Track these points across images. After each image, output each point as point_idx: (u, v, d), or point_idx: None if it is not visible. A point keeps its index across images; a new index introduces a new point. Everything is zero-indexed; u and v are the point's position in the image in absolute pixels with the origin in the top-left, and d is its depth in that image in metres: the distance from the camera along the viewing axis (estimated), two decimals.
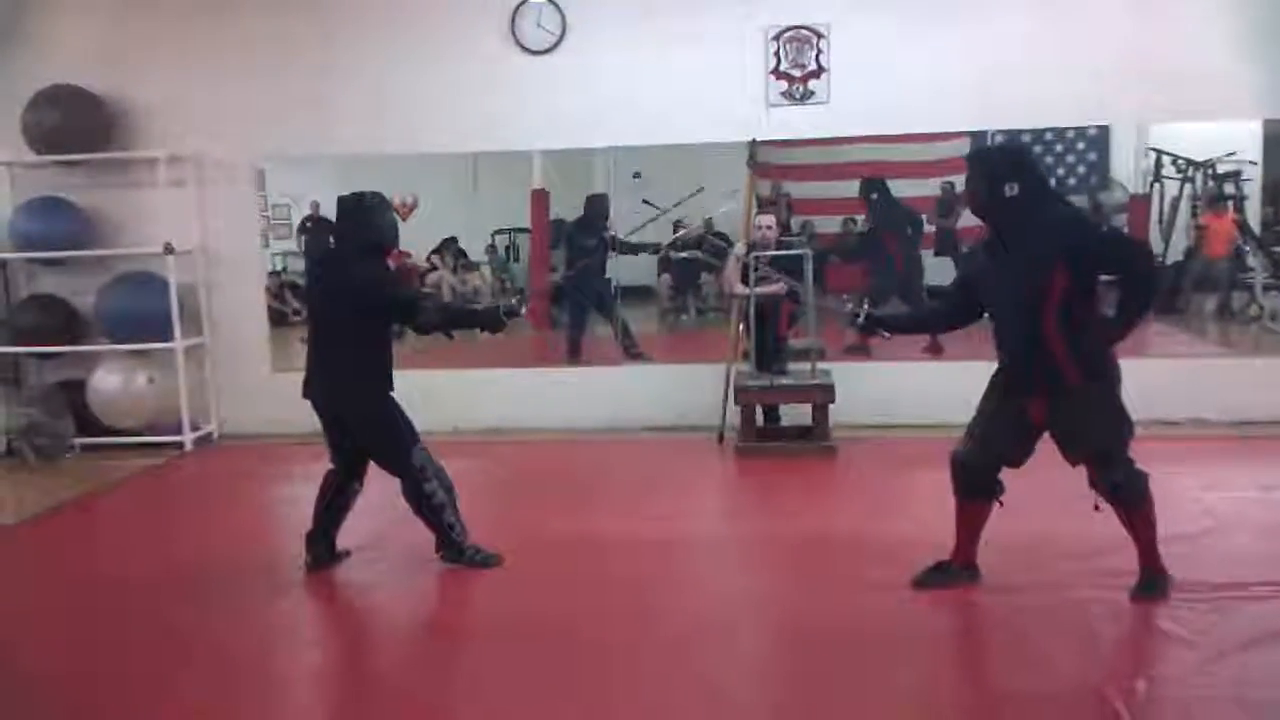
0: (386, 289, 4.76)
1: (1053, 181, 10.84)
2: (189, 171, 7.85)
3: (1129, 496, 4.16)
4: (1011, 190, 4.05)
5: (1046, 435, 4.23)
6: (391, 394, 4.77)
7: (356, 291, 4.63)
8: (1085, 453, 4.15)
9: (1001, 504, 4.39)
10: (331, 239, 5.11)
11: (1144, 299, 4.12)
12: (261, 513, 6.30)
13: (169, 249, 7.59)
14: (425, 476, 4.75)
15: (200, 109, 7.81)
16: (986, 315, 4.36)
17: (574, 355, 9.44)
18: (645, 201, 10.15)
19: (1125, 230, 10.30)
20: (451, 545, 4.86)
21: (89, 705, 3.77)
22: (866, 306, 4.61)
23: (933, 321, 5.01)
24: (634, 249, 10.42)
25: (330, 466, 4.91)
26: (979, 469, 4.33)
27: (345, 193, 4.81)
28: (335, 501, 4.91)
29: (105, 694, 3.85)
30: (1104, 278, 4.13)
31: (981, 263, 4.30)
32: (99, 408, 7.68)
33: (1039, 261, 3.99)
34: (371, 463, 4.87)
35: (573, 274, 9.68)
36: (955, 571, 4.48)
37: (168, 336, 7.63)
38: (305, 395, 4.80)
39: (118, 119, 7.81)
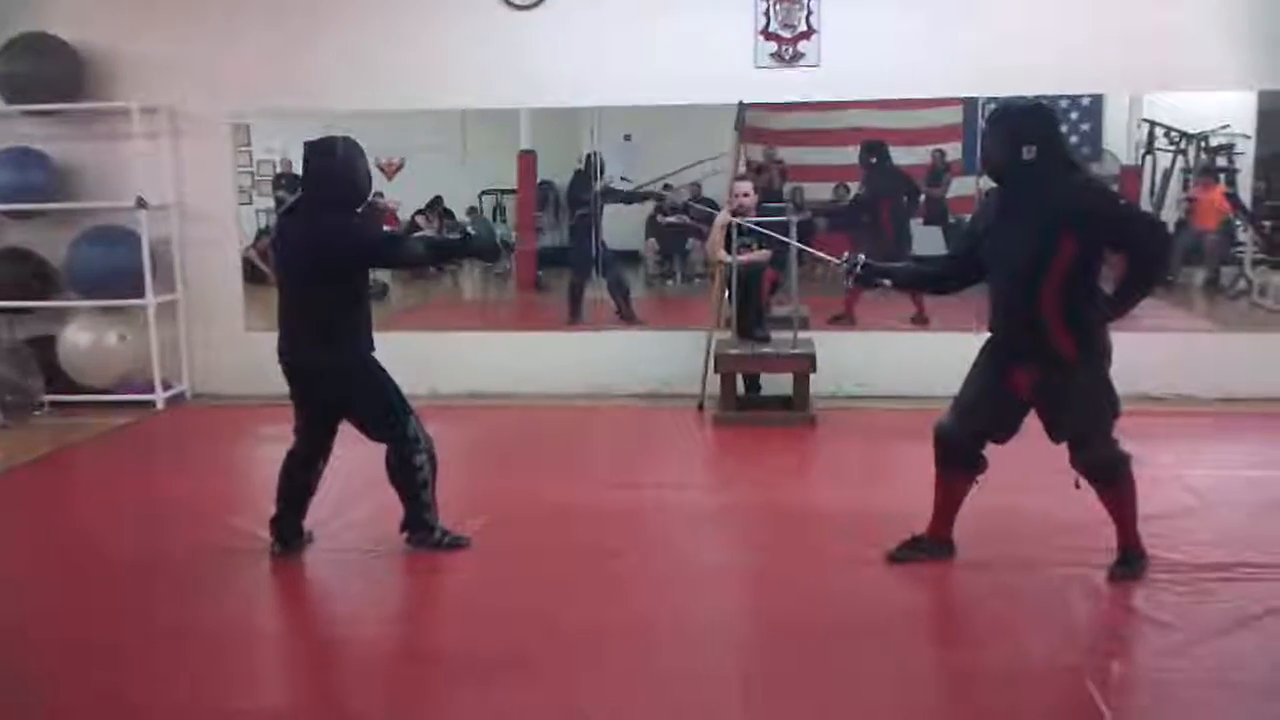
0: (358, 234, 4.41)
1: None
2: (163, 124, 7.68)
3: (1110, 476, 4.08)
4: (1029, 153, 3.91)
5: (1032, 413, 4.14)
6: (373, 354, 4.49)
7: (326, 243, 4.28)
8: (1069, 430, 4.06)
9: (979, 482, 4.30)
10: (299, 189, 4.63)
11: (1151, 278, 4.02)
12: (231, 475, 6.18)
13: (141, 203, 7.43)
14: (417, 449, 4.51)
15: (177, 61, 7.61)
16: (988, 275, 4.19)
17: (575, 317, 9.30)
18: (623, 179, 10.00)
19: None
20: (422, 526, 4.61)
21: (36, 671, 3.66)
22: (862, 257, 4.44)
23: (934, 278, 4.67)
24: (626, 198, 10.26)
25: (291, 448, 4.61)
26: (962, 441, 4.23)
27: (313, 139, 4.44)
28: (300, 482, 4.61)
29: (52, 660, 3.73)
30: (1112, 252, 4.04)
31: (990, 219, 4.15)
32: (70, 365, 7.55)
33: (1049, 227, 3.87)
34: (341, 436, 4.62)
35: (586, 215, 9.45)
36: (929, 545, 4.40)
37: (140, 293, 7.49)
38: (280, 360, 4.47)
39: (91, 69, 7.62)
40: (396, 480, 4.55)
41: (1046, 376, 4.00)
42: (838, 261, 4.50)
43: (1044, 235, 3.87)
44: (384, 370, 4.52)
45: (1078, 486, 4.12)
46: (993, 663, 3.60)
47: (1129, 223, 4.10)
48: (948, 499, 4.35)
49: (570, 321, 9.24)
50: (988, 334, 4.20)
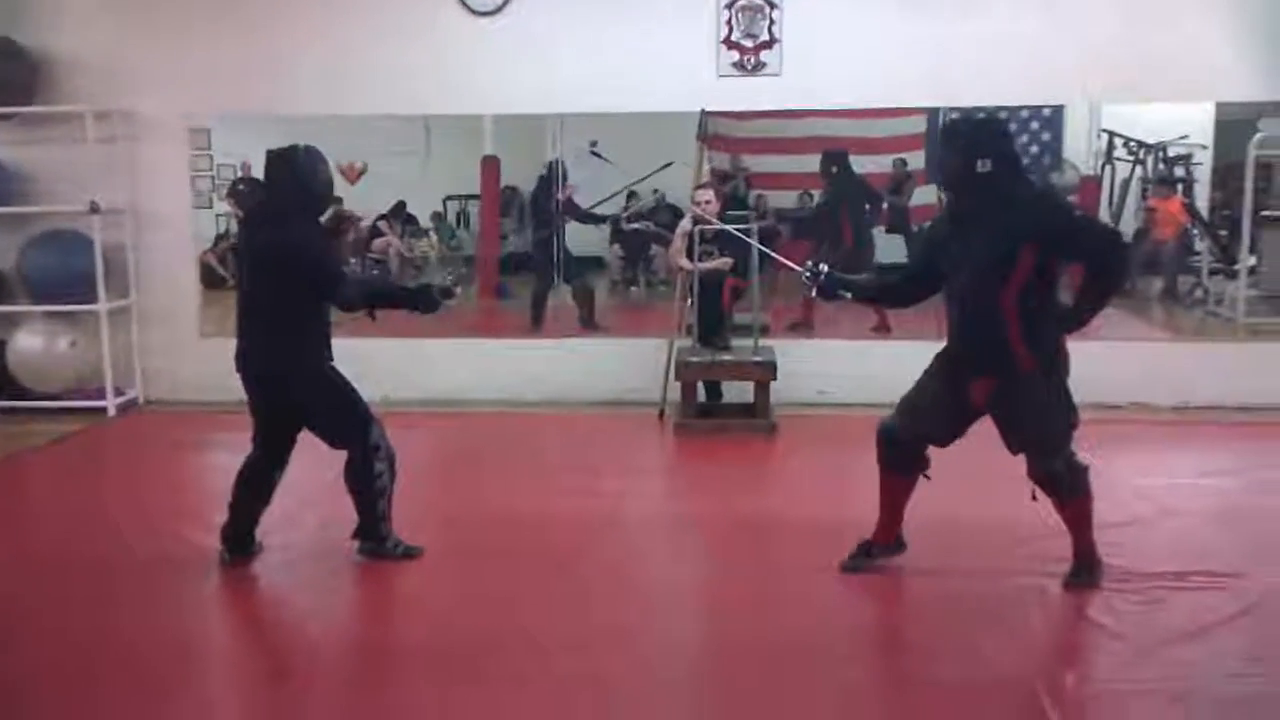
0: (314, 257, 4.34)
1: None
2: (119, 128, 7.55)
3: (1067, 488, 4.06)
4: (985, 166, 3.91)
5: (985, 419, 4.12)
6: (332, 362, 4.46)
7: (283, 255, 4.26)
8: (1026, 441, 4.04)
9: (928, 477, 4.27)
10: (261, 196, 4.64)
11: (1108, 290, 4.00)
12: (183, 483, 6.09)
13: (94, 207, 7.32)
14: (378, 457, 4.44)
15: (133, 64, 7.50)
16: (945, 287, 4.18)
17: (537, 324, 9.27)
18: (593, 152, 9.95)
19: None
20: (375, 536, 4.54)
21: None
22: (825, 267, 4.41)
23: (894, 292, 4.60)
24: (584, 218, 10.24)
25: (249, 454, 4.54)
26: (905, 443, 4.21)
27: (275, 146, 4.42)
28: (255, 491, 4.54)
29: None
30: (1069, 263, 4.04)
31: (945, 232, 4.15)
32: (19, 370, 7.43)
33: (1006, 240, 3.86)
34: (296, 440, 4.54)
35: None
36: (880, 550, 4.37)
37: (92, 298, 7.37)
38: (239, 368, 4.42)
39: (45, 72, 7.50)
40: (354, 488, 4.48)
41: (1003, 387, 3.99)
42: (800, 270, 4.48)
43: (1001, 248, 3.86)
44: (344, 378, 4.47)
45: (1034, 498, 4.11)
46: (945, 673, 3.58)
47: (1086, 234, 4.09)
48: (892, 499, 4.32)
49: (533, 329, 9.19)
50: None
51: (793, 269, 4.60)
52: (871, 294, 4.79)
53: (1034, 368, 3.94)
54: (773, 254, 5.56)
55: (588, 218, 10.25)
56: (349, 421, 4.44)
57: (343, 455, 4.48)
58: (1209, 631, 3.83)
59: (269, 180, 4.44)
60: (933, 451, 4.24)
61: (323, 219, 4.57)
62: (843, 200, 9.67)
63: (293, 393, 4.41)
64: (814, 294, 4.47)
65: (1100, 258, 3.97)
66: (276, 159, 4.39)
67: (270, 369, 4.39)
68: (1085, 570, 4.17)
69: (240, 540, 4.58)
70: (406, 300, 4.56)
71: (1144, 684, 3.48)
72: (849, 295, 4.48)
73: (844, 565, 4.37)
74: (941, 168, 4.10)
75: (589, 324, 9.18)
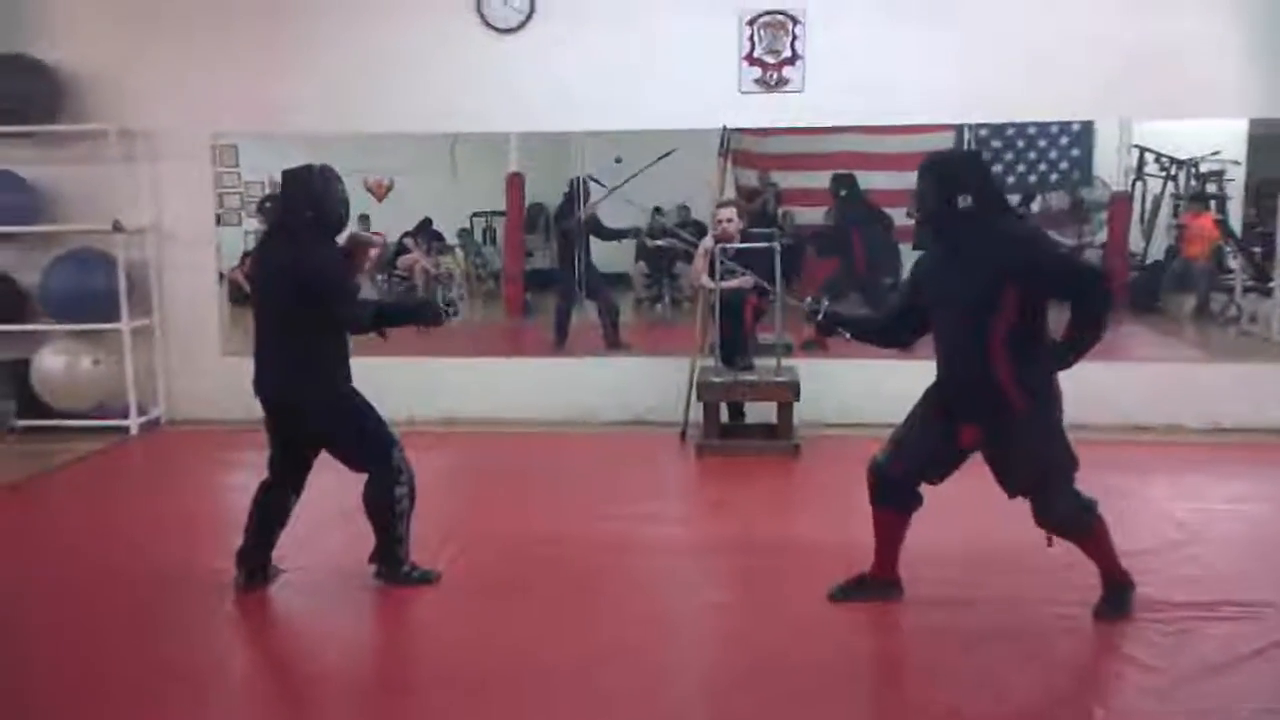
0: (327, 278, 4.25)
1: (1034, 178, 10.77)
2: (141, 146, 7.59)
3: (1077, 529, 3.94)
4: (965, 202, 3.81)
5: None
6: (351, 384, 4.42)
7: (297, 276, 4.21)
8: (1024, 485, 3.91)
9: (916, 507, 4.16)
10: (276, 216, 4.61)
11: (1095, 329, 3.84)
12: (203, 503, 6.05)
13: (118, 227, 7.35)
14: (399, 480, 4.40)
15: (156, 83, 7.54)
16: (932, 328, 4.08)
17: (561, 342, 9.24)
18: (592, 179, 9.94)
19: (1099, 245, 10.19)
20: (392, 560, 4.49)
21: None
22: (827, 303, 4.36)
23: (891, 332, 4.50)
24: (611, 234, 10.20)
25: (264, 480, 4.50)
26: (896, 479, 4.10)
27: (299, 164, 4.39)
28: (270, 514, 4.49)
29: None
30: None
31: (930, 271, 4.06)
32: (43, 389, 7.44)
33: (989, 278, 3.75)
34: (313, 465, 4.50)
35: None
36: (875, 585, 4.26)
37: (115, 317, 7.39)
38: (256, 392, 4.39)
39: (68, 90, 7.54)
40: (373, 511, 4.44)
41: (994, 429, 3.87)
42: (801, 304, 4.41)
43: (985, 286, 3.76)
44: (364, 401, 4.43)
45: (1050, 544, 3.99)
46: (971, 705, 3.48)
47: (1065, 273, 3.96)
48: (887, 536, 4.22)
49: (557, 347, 9.16)
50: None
51: (796, 305, 4.55)
52: (869, 333, 4.70)
53: (1026, 408, 3.82)
54: (767, 287, 5.48)
55: (612, 234, 10.20)
56: (370, 445, 4.39)
57: (362, 477, 4.43)
58: (1241, 663, 3.71)
59: (283, 200, 4.42)
60: (955, 475, 4.13)
61: (339, 239, 4.50)
62: (852, 222, 9.61)
63: (307, 422, 4.37)
64: (813, 328, 4.42)
65: (1082, 297, 3.84)
66: (290, 179, 4.37)
67: (288, 394, 4.35)
68: (1116, 597, 4.06)
69: (255, 565, 4.53)
70: (411, 315, 4.52)
71: (1174, 717, 3.38)
72: (847, 335, 4.41)
73: (833, 593, 4.27)
74: (919, 203, 3.97)
75: (614, 342, 9.13)
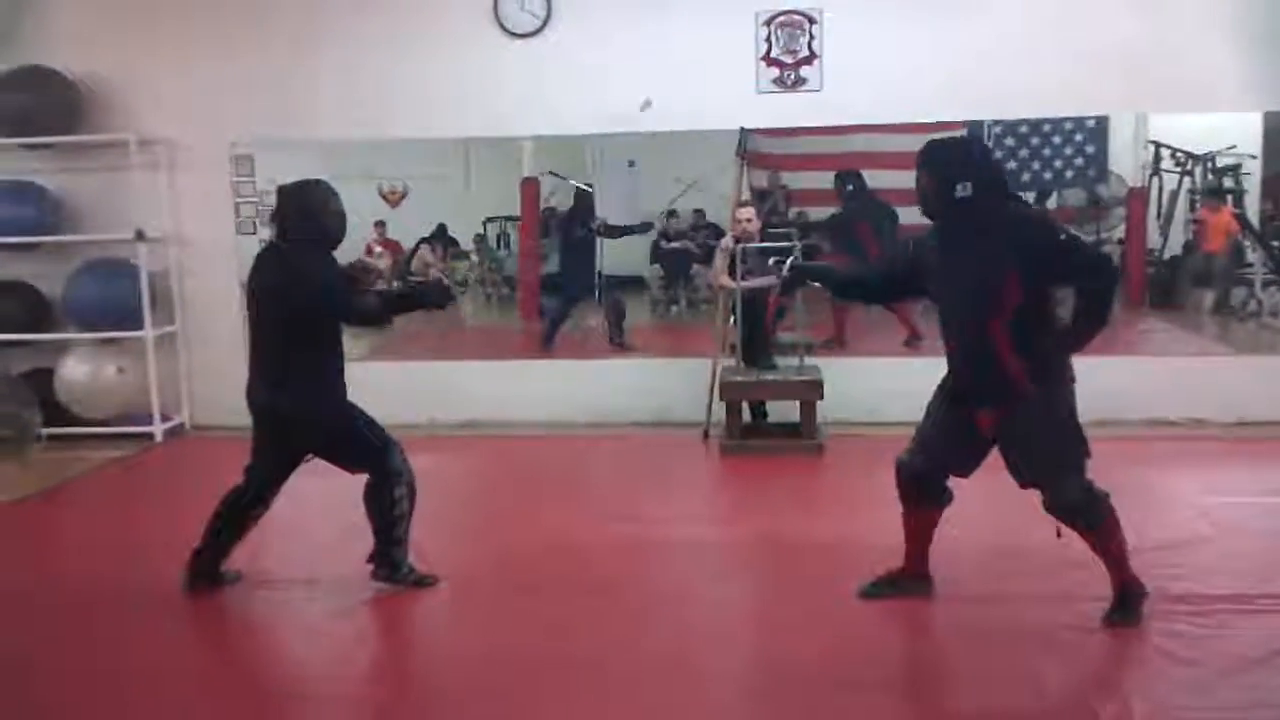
0: (317, 290, 4.23)
1: (1050, 175, 10.76)
2: (161, 155, 7.63)
3: (1087, 519, 3.87)
4: (964, 190, 3.77)
5: None
6: (346, 398, 4.40)
7: (286, 291, 4.21)
8: (1034, 470, 3.87)
9: (948, 503, 4.14)
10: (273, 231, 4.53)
11: (1101, 313, 3.79)
12: None
13: (140, 235, 7.38)
14: (398, 482, 4.41)
15: (176, 92, 7.57)
16: (938, 316, 4.05)
17: (548, 344, 9.27)
18: (588, 185, 9.99)
19: (1107, 234, 10.14)
20: (389, 561, 4.48)
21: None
22: (796, 257, 4.32)
23: (866, 285, 4.51)
24: (622, 232, 10.22)
25: (236, 486, 4.48)
26: (923, 476, 4.08)
27: (287, 181, 4.38)
28: (235, 524, 4.47)
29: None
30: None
31: (934, 256, 3.99)
32: (67, 397, 7.47)
33: (992, 266, 3.72)
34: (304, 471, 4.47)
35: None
36: (905, 582, 4.25)
37: (138, 325, 7.42)
38: (249, 399, 4.38)
39: (89, 101, 7.57)
40: (373, 513, 4.45)
41: (1006, 415, 3.83)
42: (772, 261, 4.39)
43: (990, 272, 3.72)
44: (353, 408, 4.43)
45: (1059, 535, 3.94)
46: (1006, 703, 3.47)
47: (1073, 257, 3.89)
48: (917, 534, 4.20)
49: (544, 347, 9.17)
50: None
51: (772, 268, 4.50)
52: (847, 286, 4.64)
53: (1033, 391, 3.78)
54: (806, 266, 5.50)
55: (624, 232, 10.20)
56: (366, 451, 4.41)
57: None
58: (1278, 657, 3.70)
59: (280, 215, 4.39)
60: (977, 475, 4.11)
61: (337, 255, 4.48)
62: (858, 218, 9.59)
63: (295, 435, 4.37)
64: (781, 285, 4.38)
65: (1086, 279, 3.80)
66: (286, 194, 4.37)
67: (272, 408, 4.34)
68: (1124, 605, 3.97)
69: (209, 569, 4.52)
70: (418, 299, 4.52)
71: (1213, 711, 3.36)
72: (816, 285, 4.37)
73: (863, 591, 4.26)
74: (919, 191, 3.92)
75: (619, 342, 9.13)
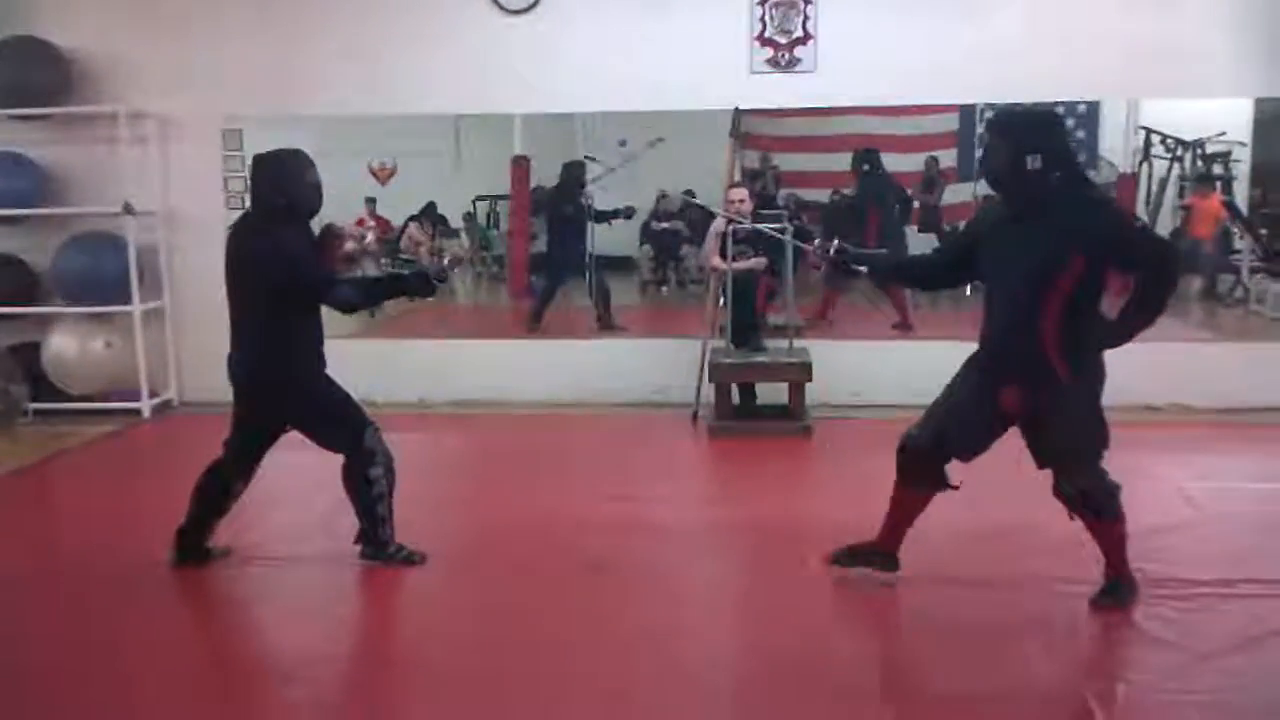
0: (289, 267, 4.17)
1: None
2: (151, 129, 7.58)
3: (1097, 506, 3.89)
4: (1034, 162, 3.69)
5: (1013, 430, 3.96)
6: (324, 371, 4.40)
7: (258, 264, 4.19)
8: (1056, 454, 3.88)
9: (956, 488, 4.09)
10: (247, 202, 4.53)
11: (1159, 305, 3.73)
12: None
13: (128, 209, 7.35)
14: (374, 462, 4.40)
15: (165, 65, 7.52)
16: (981, 286, 4.02)
17: (535, 323, 9.24)
18: (588, 157, 9.92)
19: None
20: (375, 541, 4.50)
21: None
22: (838, 242, 4.29)
23: (917, 273, 4.51)
24: (609, 216, 10.16)
25: (216, 462, 4.49)
26: (927, 458, 4.03)
27: (263, 151, 4.33)
28: (216, 499, 4.49)
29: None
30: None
31: (992, 228, 3.96)
32: (55, 372, 7.45)
33: (1055, 244, 3.66)
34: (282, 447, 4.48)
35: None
36: (875, 556, 4.22)
37: (126, 300, 7.39)
38: (229, 373, 4.38)
39: (78, 73, 7.52)
40: (352, 493, 4.46)
41: (1036, 396, 3.81)
42: (813, 249, 4.35)
43: (1050, 252, 3.67)
44: (332, 383, 4.42)
45: (1072, 517, 3.96)
46: (992, 685, 3.50)
47: (1143, 245, 3.87)
48: (902, 513, 4.16)
49: (530, 326, 9.13)
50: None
51: (806, 249, 4.50)
52: (893, 271, 4.59)
53: (1068, 378, 3.76)
54: (794, 241, 5.51)
55: (604, 216, 10.13)
56: (341, 428, 4.40)
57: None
58: (1261, 641, 3.74)
59: (254, 186, 4.36)
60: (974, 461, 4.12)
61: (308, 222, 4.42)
62: (871, 198, 9.59)
63: (271, 407, 4.37)
64: (826, 271, 4.34)
65: (1153, 270, 3.74)
66: (261, 164, 4.33)
67: (259, 378, 4.34)
68: (1116, 591, 4.01)
69: (194, 546, 4.54)
70: (402, 286, 4.46)
71: (1196, 695, 3.39)
72: (864, 270, 4.35)
73: (833, 558, 4.25)
74: (986, 162, 3.87)
75: (607, 324, 9.12)
